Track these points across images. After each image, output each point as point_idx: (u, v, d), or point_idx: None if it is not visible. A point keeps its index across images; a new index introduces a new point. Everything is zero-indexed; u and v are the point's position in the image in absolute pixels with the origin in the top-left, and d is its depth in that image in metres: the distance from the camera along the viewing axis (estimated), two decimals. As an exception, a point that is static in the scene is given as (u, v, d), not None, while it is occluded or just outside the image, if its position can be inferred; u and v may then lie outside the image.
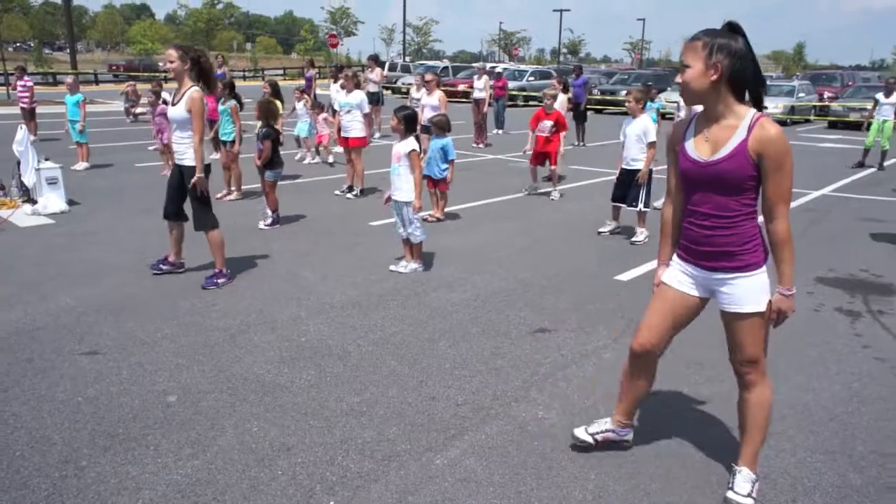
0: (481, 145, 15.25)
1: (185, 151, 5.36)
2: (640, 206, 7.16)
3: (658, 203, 8.69)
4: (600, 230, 7.39)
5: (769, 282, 2.71)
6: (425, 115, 10.22)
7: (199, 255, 5.92)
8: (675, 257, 2.92)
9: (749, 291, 2.69)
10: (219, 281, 5.51)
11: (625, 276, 5.98)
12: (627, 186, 7.16)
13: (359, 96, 9.06)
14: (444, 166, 7.69)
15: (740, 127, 2.57)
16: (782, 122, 21.82)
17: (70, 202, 8.38)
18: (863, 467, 3.19)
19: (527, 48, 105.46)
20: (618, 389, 3.19)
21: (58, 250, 6.53)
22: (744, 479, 2.88)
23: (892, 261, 6.70)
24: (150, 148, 11.08)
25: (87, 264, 6.06)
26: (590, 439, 3.18)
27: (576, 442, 3.20)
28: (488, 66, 25.98)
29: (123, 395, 3.72)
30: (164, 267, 5.81)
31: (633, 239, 7.23)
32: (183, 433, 3.36)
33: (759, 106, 2.64)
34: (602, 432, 3.19)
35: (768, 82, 16.87)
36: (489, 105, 15.86)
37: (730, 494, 2.86)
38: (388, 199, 6.08)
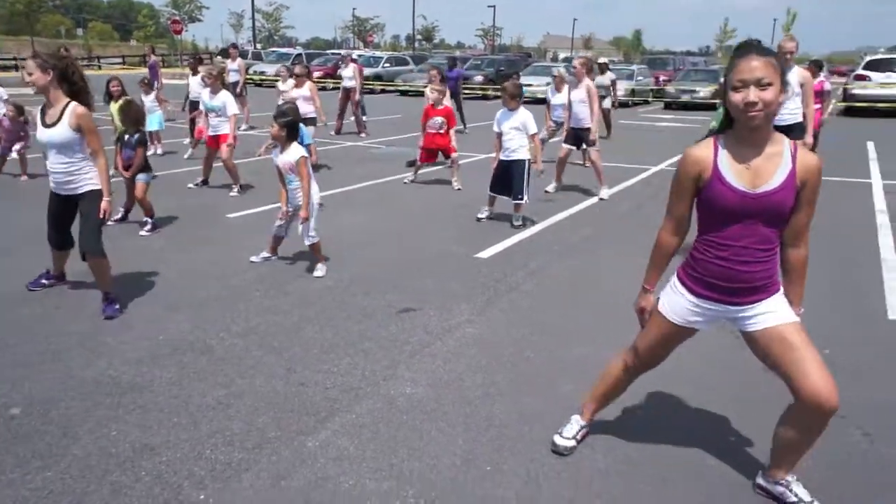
0: (363, 135, 14.96)
1: (80, 178, 4.66)
2: (526, 197, 7.20)
3: (550, 188, 9.08)
4: (479, 216, 7.55)
5: None
6: (302, 109, 9.87)
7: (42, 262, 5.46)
8: (685, 292, 2.70)
9: (782, 305, 2.60)
10: (117, 306, 4.82)
11: (484, 254, 6.22)
12: (508, 179, 7.25)
13: (224, 97, 8.66)
14: (303, 155, 7.54)
15: (784, 155, 2.42)
16: (624, 104, 23.41)
17: None
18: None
19: (381, 35, 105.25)
20: (591, 390, 3.18)
21: None
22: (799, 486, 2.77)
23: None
24: None
25: None
26: (573, 443, 3.11)
27: (558, 450, 3.10)
28: (343, 52, 25.67)
29: (-43, 413, 3.41)
30: (45, 282, 5.18)
31: (516, 223, 7.21)
32: (29, 445, 3.14)
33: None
34: (580, 431, 3.15)
35: (611, 67, 17.99)
36: (359, 94, 15.50)
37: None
38: (286, 213, 5.76)
